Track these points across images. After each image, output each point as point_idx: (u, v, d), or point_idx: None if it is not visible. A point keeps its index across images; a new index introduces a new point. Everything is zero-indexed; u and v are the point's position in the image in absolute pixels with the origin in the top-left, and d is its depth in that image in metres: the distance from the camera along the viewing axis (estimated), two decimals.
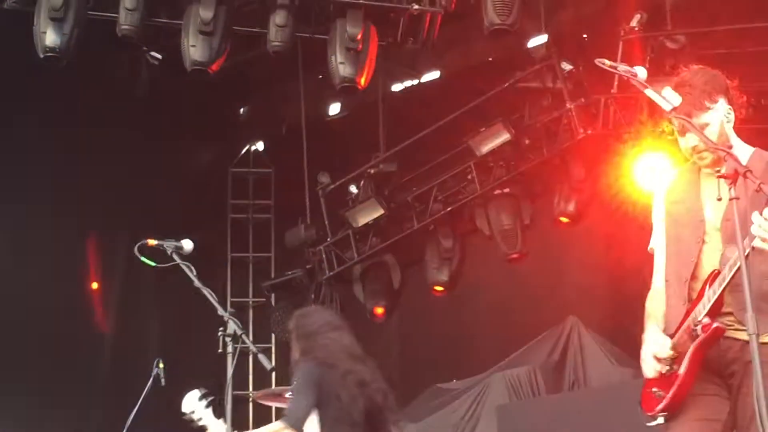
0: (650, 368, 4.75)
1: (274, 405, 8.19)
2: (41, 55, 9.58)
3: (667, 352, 4.68)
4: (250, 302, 14.39)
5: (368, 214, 11.98)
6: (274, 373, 13.60)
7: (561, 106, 10.90)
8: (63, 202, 11.82)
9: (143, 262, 5.53)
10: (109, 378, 12.12)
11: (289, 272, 13.33)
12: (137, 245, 5.55)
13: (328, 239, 12.65)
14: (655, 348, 4.75)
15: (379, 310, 12.57)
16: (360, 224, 12.08)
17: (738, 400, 4.63)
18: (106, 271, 12.05)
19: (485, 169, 11.44)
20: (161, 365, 8.36)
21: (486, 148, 11.12)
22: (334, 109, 13.12)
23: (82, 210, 12.23)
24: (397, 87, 12.58)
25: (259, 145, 14.62)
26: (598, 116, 10.57)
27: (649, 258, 4.94)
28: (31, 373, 11.37)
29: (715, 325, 4.54)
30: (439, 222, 11.80)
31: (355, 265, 12.41)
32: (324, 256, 12.72)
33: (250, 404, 13.65)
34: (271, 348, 14.11)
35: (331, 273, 12.66)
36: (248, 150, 14.68)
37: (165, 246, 5.59)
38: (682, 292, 4.76)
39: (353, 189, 12.24)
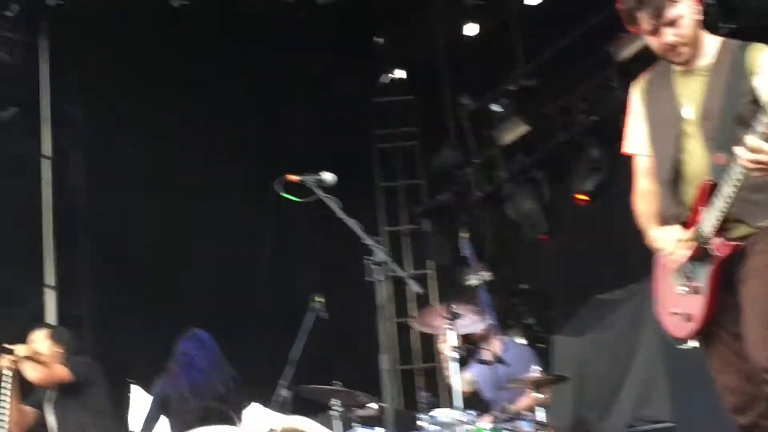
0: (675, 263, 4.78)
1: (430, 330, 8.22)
2: (175, 4, 9.72)
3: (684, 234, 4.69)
4: (404, 229, 14.47)
5: (513, 132, 11.88)
6: (437, 300, 13.81)
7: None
8: (213, 147, 12.06)
9: (287, 199, 5.59)
10: (269, 314, 12.35)
11: (440, 196, 13.33)
12: (279, 182, 5.61)
13: (476, 160, 12.58)
14: (671, 237, 4.75)
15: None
16: (506, 142, 11.99)
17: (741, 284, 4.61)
18: (256, 208, 12.21)
19: (627, 74, 11.19)
20: (320, 299, 8.49)
21: (627, 54, 10.89)
22: (470, 29, 12.99)
23: (232, 153, 12.46)
24: (531, 0, 12.38)
25: (399, 73, 14.61)
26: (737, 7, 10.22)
27: None
28: (190, 310, 11.63)
29: (733, 243, 4.57)
30: (585, 133, 11.61)
31: (505, 184, 12.31)
32: (473, 177, 12.67)
33: (414, 332, 13.81)
34: (428, 274, 14.20)
35: (482, 194, 12.61)
36: (389, 78, 14.68)
37: (306, 180, 5.63)
38: (673, 193, 4.70)
39: (496, 107, 12.10)
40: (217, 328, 11.78)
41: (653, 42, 4.79)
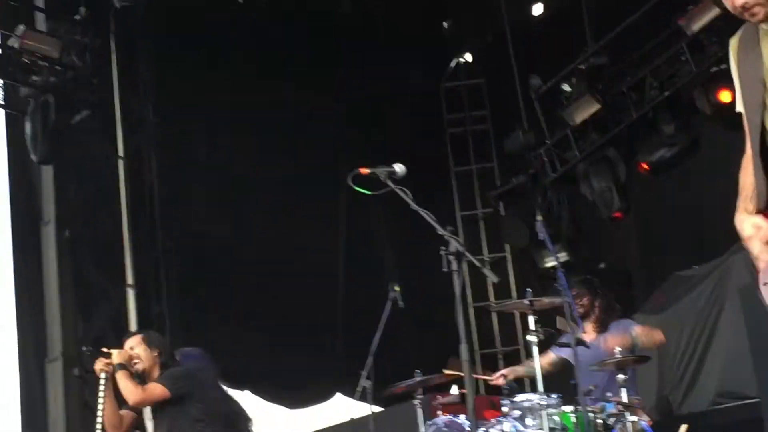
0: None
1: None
2: None
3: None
4: (479, 214, 14.45)
5: (584, 110, 11.78)
6: (514, 283, 13.80)
7: None
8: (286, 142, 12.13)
9: (358, 191, 5.61)
10: (347, 305, 12.39)
11: (514, 179, 13.28)
12: (350, 175, 5.62)
13: (548, 141, 12.52)
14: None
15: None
16: (577, 122, 11.90)
17: None
18: (330, 200, 12.26)
19: (699, 47, 11.06)
20: (397, 288, 8.50)
21: (697, 26, 10.76)
22: (537, 9, 12.93)
23: (306, 146, 12.51)
24: None
25: (467, 57, 14.57)
26: None
27: None
28: (269, 304, 11.71)
29: None
30: (657, 109, 11.49)
31: (578, 163, 12.23)
32: (546, 158, 12.61)
33: (494, 315, 13.80)
34: (505, 257, 14.17)
35: (555, 174, 12.54)
36: (457, 63, 14.66)
37: (378, 173, 5.63)
38: (758, 163, 4.42)
39: (566, 87, 12.02)
40: (296, 321, 11.93)
41: (728, 2, 4.54)
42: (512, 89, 13.00)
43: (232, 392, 8.18)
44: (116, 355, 7.25)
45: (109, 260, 11.15)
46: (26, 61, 10.35)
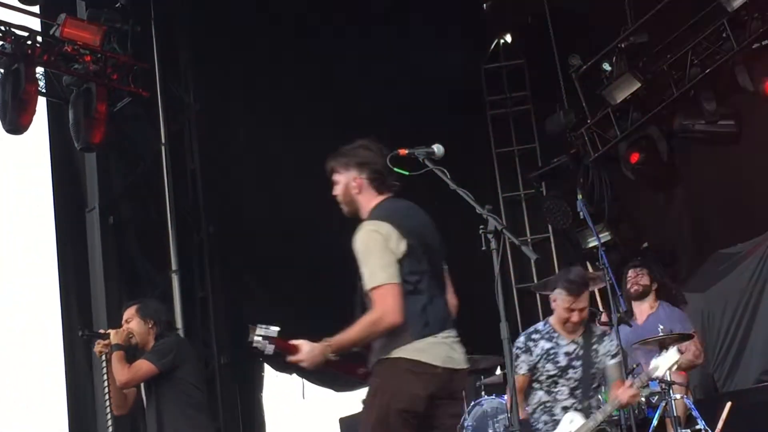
0: None
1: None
2: None
3: None
4: (522, 195, 14.42)
5: (625, 89, 11.72)
6: (557, 264, 13.75)
7: None
8: (316, 113, 12.13)
9: (396, 172, 5.63)
10: None
11: (555, 159, 13.24)
12: (388, 156, 5.64)
13: (589, 121, 12.47)
14: None
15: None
16: (618, 101, 11.84)
17: None
18: None
19: (740, 24, 10.97)
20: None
21: (737, 3, 10.67)
22: None
23: (347, 129, 12.51)
24: None
25: (507, 38, 14.55)
26: None
27: None
28: (313, 288, 11.73)
29: None
30: (699, 86, 11.43)
31: (620, 142, 12.18)
32: (587, 138, 12.56)
33: (537, 297, 13.76)
34: (549, 237, 14.13)
35: (597, 154, 12.49)
36: (497, 44, 14.64)
37: (416, 153, 5.65)
38: None
39: (606, 66, 11.96)
40: (341, 304, 11.94)
41: None
42: (552, 70, 12.97)
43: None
44: (113, 335, 7.33)
45: (154, 246, 11.22)
46: (68, 49, 10.43)
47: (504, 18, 14.12)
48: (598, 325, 8.12)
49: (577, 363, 7.41)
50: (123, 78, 10.74)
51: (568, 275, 7.57)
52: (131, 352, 7.36)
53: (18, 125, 10.09)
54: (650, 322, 8.88)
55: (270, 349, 5.80)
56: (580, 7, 12.79)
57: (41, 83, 10.61)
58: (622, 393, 7.14)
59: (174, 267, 11.19)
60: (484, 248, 5.38)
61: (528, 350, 7.46)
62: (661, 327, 8.14)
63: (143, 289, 10.88)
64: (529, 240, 14.00)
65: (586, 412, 7.31)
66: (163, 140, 11.42)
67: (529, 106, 14.45)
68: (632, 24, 11.74)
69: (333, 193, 6.07)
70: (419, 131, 11.58)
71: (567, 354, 7.42)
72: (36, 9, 10.64)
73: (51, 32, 10.43)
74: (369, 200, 5.79)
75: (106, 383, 7.31)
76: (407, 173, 5.62)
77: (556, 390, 7.41)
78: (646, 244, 12.54)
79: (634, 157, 11.95)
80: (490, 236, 5.36)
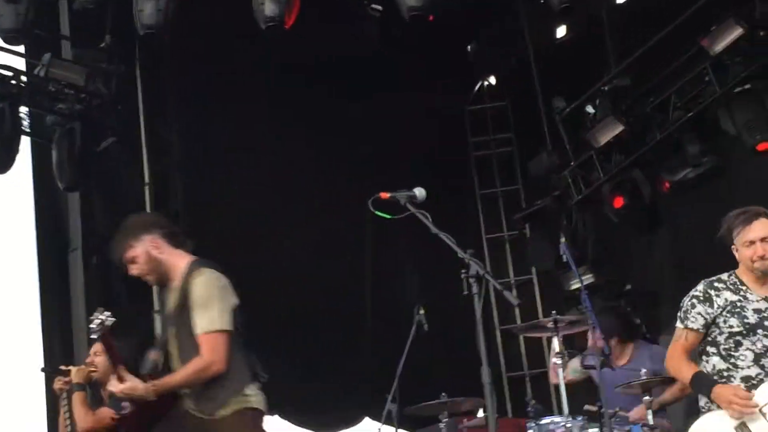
0: None
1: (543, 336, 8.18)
2: (263, 26, 9.87)
3: None
4: (505, 236, 14.42)
5: (608, 132, 11.77)
6: (540, 306, 13.74)
7: None
8: (300, 156, 12.14)
9: (378, 216, 5.64)
10: (372, 328, 12.40)
11: (539, 201, 13.27)
12: (371, 199, 5.65)
13: (572, 163, 12.51)
14: None
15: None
16: (601, 143, 11.88)
17: None
18: (356, 224, 12.24)
19: (722, 67, 11.06)
20: (422, 311, 8.53)
21: (720, 47, 10.75)
22: (561, 31, 12.96)
23: (330, 169, 12.54)
24: None
25: (492, 80, 14.61)
26: None
27: None
28: (297, 329, 11.73)
29: None
30: (682, 129, 11.48)
31: (603, 185, 12.22)
32: (570, 180, 12.59)
33: (521, 338, 13.73)
34: (532, 279, 14.13)
35: (580, 196, 12.51)
36: (482, 86, 14.69)
37: (398, 197, 5.65)
38: None
39: (590, 109, 12.03)
40: (323, 345, 11.94)
41: None
42: (536, 111, 13.00)
43: None
44: (74, 373, 7.26)
45: (137, 286, 11.15)
46: (52, 89, 10.44)
47: (488, 60, 14.16)
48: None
49: None
50: (107, 118, 10.74)
51: None
52: (93, 387, 7.30)
53: (2, 164, 10.09)
54: (631, 364, 8.88)
55: (97, 334, 6.09)
56: (564, 50, 12.85)
57: (25, 123, 10.61)
58: None
59: (157, 307, 11.14)
60: (466, 292, 5.38)
61: (708, 299, 6.16)
62: (644, 370, 8.15)
63: (126, 329, 10.80)
64: (512, 281, 13.98)
65: None
66: (147, 180, 11.39)
67: (512, 147, 14.49)
68: (615, 67, 11.81)
69: (134, 272, 6.17)
70: (402, 173, 11.63)
71: (757, 311, 6.07)
72: (21, 48, 10.65)
73: (36, 72, 10.43)
74: (177, 257, 6.11)
75: (68, 422, 7.23)
76: (389, 217, 5.63)
77: (738, 354, 6.00)
78: (629, 287, 12.55)
79: (618, 202, 11.98)
80: (472, 281, 5.35)
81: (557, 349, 7.92)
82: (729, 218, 6.39)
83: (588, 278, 12.14)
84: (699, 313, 6.10)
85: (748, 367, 5.95)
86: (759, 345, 5.96)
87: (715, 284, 6.21)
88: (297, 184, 12.17)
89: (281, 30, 9.97)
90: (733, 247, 6.26)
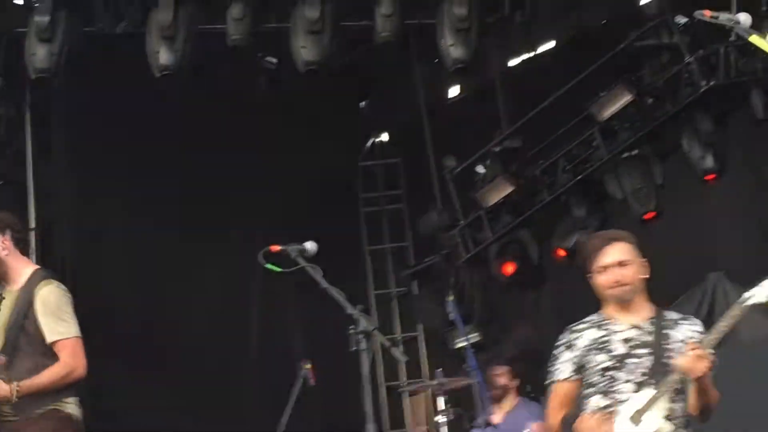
0: None
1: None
2: (157, 75, 9.83)
3: None
4: (393, 293, 14.44)
5: (498, 193, 11.91)
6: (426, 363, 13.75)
7: (680, 61, 10.67)
8: (190, 206, 12.07)
9: (268, 269, 5.61)
10: (257, 381, 12.30)
11: (427, 259, 13.33)
12: (261, 252, 5.63)
13: (461, 222, 12.60)
14: None
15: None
16: (491, 203, 12.01)
17: None
18: (245, 274, 12.15)
19: (611, 133, 11.28)
20: (308, 366, 8.49)
21: (608, 112, 10.98)
22: (454, 91, 13.11)
23: (219, 221, 12.47)
24: (513, 61, 12.50)
25: (384, 136, 14.68)
26: (719, 66, 10.33)
27: None
28: (180, 377, 11.60)
29: None
30: (570, 192, 11.67)
31: (491, 244, 12.32)
32: (459, 239, 12.67)
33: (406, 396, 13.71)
34: (417, 337, 14.16)
35: (468, 255, 12.60)
36: (373, 142, 14.75)
37: (289, 250, 5.64)
38: None
39: (480, 169, 12.16)
40: (208, 398, 11.81)
41: None
42: (427, 169, 13.09)
43: None
44: None
45: None
46: None
47: (381, 116, 14.25)
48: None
49: (642, 351, 5.61)
50: None
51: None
52: None
53: None
54: (508, 421, 8.93)
55: None
56: (457, 110, 12.99)
57: None
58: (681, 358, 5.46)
59: None
60: (354, 348, 5.37)
61: (570, 345, 5.76)
62: (533, 425, 8.21)
63: None
64: (399, 338, 14.00)
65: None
66: (32, 226, 11.20)
67: (402, 204, 14.53)
68: (506, 128, 11.97)
69: None
70: (293, 227, 11.59)
71: (627, 341, 5.66)
72: None
73: None
74: (21, 264, 6.17)
75: None
76: (279, 270, 5.61)
77: (616, 388, 5.56)
78: (513, 345, 12.61)
79: (508, 269, 12.09)
80: (360, 337, 5.35)
81: (442, 407, 7.95)
82: (582, 245, 6.19)
83: (474, 337, 12.20)
84: (565, 362, 5.72)
85: (629, 399, 5.52)
86: (637, 373, 5.55)
87: (579, 326, 5.83)
88: (188, 232, 12.07)
89: (176, 79, 9.94)
90: (588, 276, 5.81)
